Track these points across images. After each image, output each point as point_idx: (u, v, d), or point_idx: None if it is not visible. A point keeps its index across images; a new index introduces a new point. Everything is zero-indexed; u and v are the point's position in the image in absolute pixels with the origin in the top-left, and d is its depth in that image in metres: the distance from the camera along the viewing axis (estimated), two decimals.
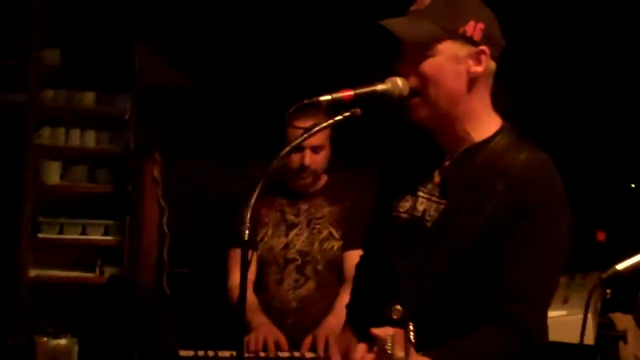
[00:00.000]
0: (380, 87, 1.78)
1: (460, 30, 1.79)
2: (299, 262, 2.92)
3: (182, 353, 2.59)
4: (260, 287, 2.94)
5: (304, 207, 2.97)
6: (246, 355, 2.60)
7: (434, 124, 1.86)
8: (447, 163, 1.88)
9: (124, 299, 3.53)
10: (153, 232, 3.44)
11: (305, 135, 1.79)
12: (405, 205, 1.92)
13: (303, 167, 2.88)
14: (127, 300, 3.54)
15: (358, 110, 1.76)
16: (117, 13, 3.40)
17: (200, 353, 2.58)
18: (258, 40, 3.64)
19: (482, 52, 1.80)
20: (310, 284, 2.92)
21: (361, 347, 1.68)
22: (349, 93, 1.75)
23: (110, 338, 3.32)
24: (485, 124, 1.87)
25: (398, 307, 1.83)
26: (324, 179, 3.01)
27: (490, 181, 1.77)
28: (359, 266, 2.21)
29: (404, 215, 1.91)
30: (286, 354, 2.66)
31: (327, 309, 2.90)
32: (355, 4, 3.81)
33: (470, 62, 1.80)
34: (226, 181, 3.59)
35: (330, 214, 2.96)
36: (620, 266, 1.97)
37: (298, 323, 2.82)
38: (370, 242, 2.14)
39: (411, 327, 1.39)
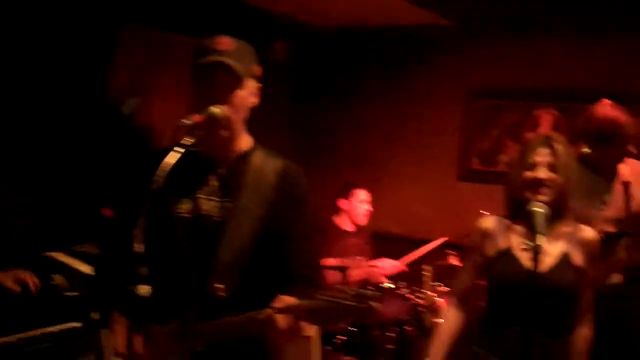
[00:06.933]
0: (214, 112, 2.11)
1: (254, 71, 2.24)
2: None
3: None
4: None
5: None
6: None
7: (222, 139, 2.21)
8: (221, 170, 2.25)
9: None
10: None
11: None
12: (186, 207, 2.22)
13: None
14: None
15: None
16: None
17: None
18: None
19: (259, 88, 2.26)
20: None
21: None
22: (199, 118, 2.08)
23: None
24: (245, 139, 2.30)
25: (219, 285, 2.14)
26: None
27: (265, 179, 2.23)
28: (112, 259, 2.39)
29: (187, 215, 2.22)
30: None
31: None
32: None
33: (252, 95, 2.24)
34: None
35: None
36: None
37: None
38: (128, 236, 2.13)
39: None
